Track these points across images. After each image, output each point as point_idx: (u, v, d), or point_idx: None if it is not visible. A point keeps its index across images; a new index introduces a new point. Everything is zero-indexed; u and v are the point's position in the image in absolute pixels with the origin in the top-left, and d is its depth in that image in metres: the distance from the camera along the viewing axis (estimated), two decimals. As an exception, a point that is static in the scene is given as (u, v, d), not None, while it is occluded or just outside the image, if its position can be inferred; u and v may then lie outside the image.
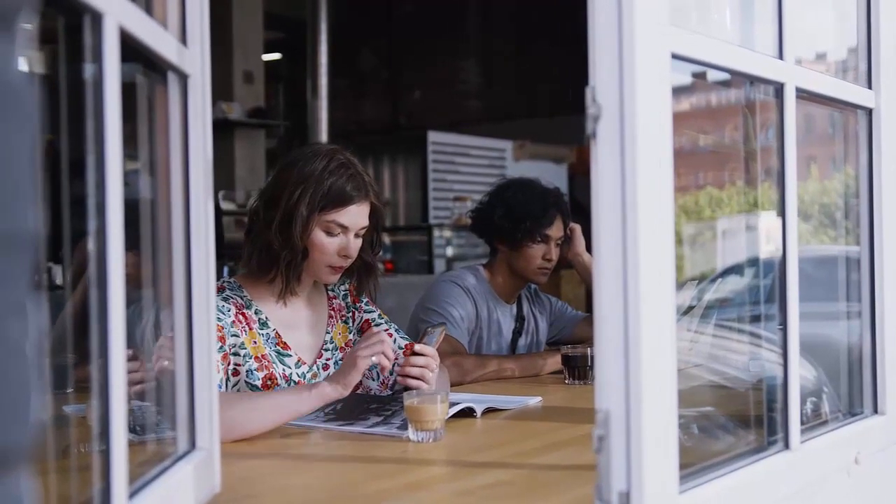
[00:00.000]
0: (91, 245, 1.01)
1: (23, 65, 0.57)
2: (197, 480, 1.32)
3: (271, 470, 1.71)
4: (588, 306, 4.98)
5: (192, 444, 1.36)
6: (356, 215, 2.19)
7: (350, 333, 2.37)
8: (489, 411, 2.16)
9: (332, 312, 2.36)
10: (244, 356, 2.13)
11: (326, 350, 2.31)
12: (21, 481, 0.55)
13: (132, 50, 1.11)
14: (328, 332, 2.33)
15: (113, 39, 1.02)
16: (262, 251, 2.18)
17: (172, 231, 1.35)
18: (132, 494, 1.09)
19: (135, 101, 1.29)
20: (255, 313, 2.21)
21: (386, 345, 1.99)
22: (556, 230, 2.99)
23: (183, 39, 1.34)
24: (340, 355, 2.32)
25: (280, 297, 2.23)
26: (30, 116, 0.57)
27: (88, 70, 1.02)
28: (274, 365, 2.17)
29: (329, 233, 2.17)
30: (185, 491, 1.29)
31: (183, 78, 1.34)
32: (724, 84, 1.75)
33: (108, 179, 1.01)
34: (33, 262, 0.57)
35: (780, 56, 1.51)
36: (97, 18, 1.00)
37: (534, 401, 2.33)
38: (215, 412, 1.40)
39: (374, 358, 1.96)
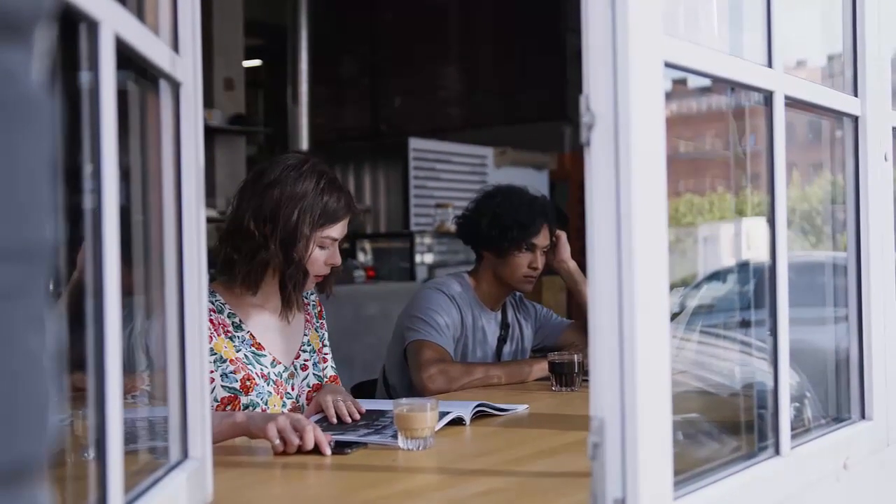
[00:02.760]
0: (87, 253, 1.01)
1: (39, 74, 0.57)
2: (190, 490, 1.32)
3: (263, 479, 1.70)
4: (570, 313, 4.98)
5: (185, 454, 1.36)
6: (344, 227, 2.30)
7: (320, 341, 2.45)
8: (480, 416, 2.17)
9: (308, 317, 2.44)
10: (215, 361, 2.17)
11: (304, 351, 2.38)
12: (40, 493, 0.55)
13: (124, 57, 1.11)
14: (305, 335, 2.40)
15: (109, 47, 1.01)
16: (259, 268, 2.22)
17: (164, 239, 1.34)
18: (127, 505, 1.09)
19: (126, 108, 1.29)
20: (229, 317, 2.25)
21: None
22: (542, 239, 2.99)
23: (175, 47, 1.34)
24: (317, 357, 2.40)
25: (282, 315, 2.30)
26: (47, 127, 0.57)
27: (84, 77, 1.01)
28: (249, 366, 2.21)
29: (322, 246, 2.26)
30: (179, 500, 1.28)
31: (175, 86, 1.34)
32: (705, 91, 1.76)
33: (104, 187, 1.00)
34: (49, 274, 0.57)
35: (769, 64, 1.52)
36: (93, 26, 0.99)
37: (521, 408, 2.33)
38: (208, 422, 1.39)
39: (276, 442, 1.82)
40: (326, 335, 2.50)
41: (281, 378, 2.27)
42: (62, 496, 1.20)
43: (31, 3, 0.56)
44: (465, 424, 2.10)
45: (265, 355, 2.26)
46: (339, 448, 1.83)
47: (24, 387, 0.53)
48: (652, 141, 1.20)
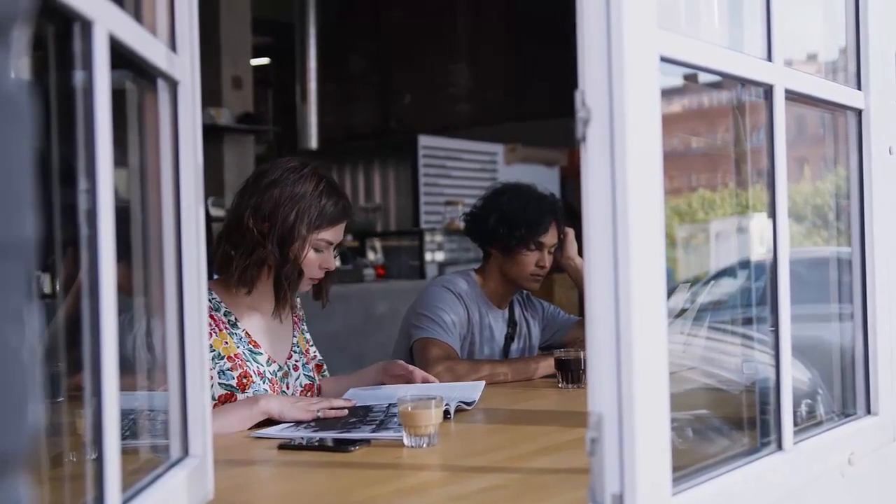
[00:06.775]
0: (83, 253, 1.01)
1: (18, 73, 0.57)
2: (190, 487, 1.32)
3: (265, 477, 1.70)
4: (581, 310, 4.96)
5: (186, 451, 1.36)
6: (339, 232, 2.35)
7: (307, 343, 2.50)
8: (460, 411, 2.19)
9: (296, 320, 2.49)
10: (214, 358, 2.20)
11: (295, 352, 2.43)
12: (19, 487, 0.55)
13: (121, 56, 1.11)
14: (294, 336, 2.45)
15: (103, 47, 1.01)
16: (255, 266, 2.26)
17: (164, 239, 1.35)
18: (125, 502, 1.09)
19: (124, 108, 1.29)
20: (225, 315, 2.29)
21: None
22: (550, 238, 2.99)
23: (172, 46, 1.34)
24: (305, 359, 2.45)
25: (275, 315, 2.35)
26: (26, 124, 0.57)
27: (78, 77, 1.02)
28: (248, 363, 2.26)
29: (317, 249, 2.30)
30: (179, 498, 1.28)
31: (173, 85, 1.34)
32: (716, 86, 1.75)
33: (98, 187, 1.01)
34: (30, 270, 0.58)
35: (769, 58, 1.52)
36: (87, 26, 0.99)
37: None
38: (208, 419, 1.40)
39: (320, 413, 2.11)
40: (309, 335, 2.54)
41: (276, 377, 2.33)
42: (61, 494, 1.20)
43: (9, 3, 0.56)
44: (449, 419, 2.10)
45: (261, 353, 2.31)
46: (343, 445, 1.84)
47: (3, 381, 0.54)
48: (648, 136, 1.19)
